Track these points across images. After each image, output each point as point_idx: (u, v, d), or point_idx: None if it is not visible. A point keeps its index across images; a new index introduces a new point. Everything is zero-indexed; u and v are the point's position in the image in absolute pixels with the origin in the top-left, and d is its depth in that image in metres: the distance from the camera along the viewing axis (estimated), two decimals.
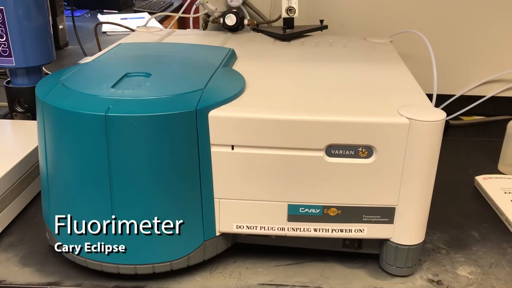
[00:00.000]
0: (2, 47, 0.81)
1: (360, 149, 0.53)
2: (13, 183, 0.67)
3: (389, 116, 0.52)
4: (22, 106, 0.88)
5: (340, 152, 0.53)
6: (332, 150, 0.53)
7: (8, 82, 0.88)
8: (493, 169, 0.84)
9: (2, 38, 0.81)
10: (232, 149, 0.53)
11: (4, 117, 0.96)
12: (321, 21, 0.94)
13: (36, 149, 0.73)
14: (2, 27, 0.80)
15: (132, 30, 1.09)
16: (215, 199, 0.55)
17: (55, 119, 0.52)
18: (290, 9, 0.87)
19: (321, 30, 0.93)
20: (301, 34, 0.89)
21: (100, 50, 1.03)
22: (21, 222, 0.67)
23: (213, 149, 0.53)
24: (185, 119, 0.51)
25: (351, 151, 0.53)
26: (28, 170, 0.71)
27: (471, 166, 0.85)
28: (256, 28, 0.94)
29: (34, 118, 0.88)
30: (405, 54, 1.04)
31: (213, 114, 0.52)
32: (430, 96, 0.90)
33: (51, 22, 0.88)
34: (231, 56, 0.71)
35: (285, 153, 0.53)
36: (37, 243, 0.63)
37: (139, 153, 0.51)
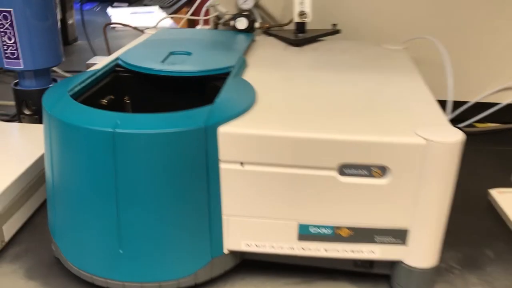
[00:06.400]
0: (11, 50, 0.80)
1: (374, 169, 0.51)
2: (21, 189, 0.66)
3: (404, 135, 0.50)
4: (30, 108, 0.87)
5: (353, 171, 0.51)
6: (345, 169, 0.51)
7: (16, 84, 0.87)
8: (508, 182, 0.82)
9: (11, 40, 0.80)
10: (242, 166, 0.52)
11: (12, 117, 0.96)
12: (334, 25, 0.92)
13: (41, 158, 0.72)
14: (10, 29, 0.79)
15: (141, 31, 1.08)
16: (223, 216, 0.54)
17: (61, 133, 0.51)
18: (302, 14, 0.85)
19: (334, 34, 0.91)
20: (314, 39, 0.87)
21: (109, 51, 1.02)
22: (27, 230, 0.67)
23: (222, 165, 0.52)
24: (194, 136, 0.50)
25: (364, 171, 0.51)
26: (36, 176, 0.70)
27: (485, 177, 0.83)
28: (267, 31, 0.93)
29: (41, 121, 0.87)
30: (419, 59, 1.02)
31: (222, 130, 0.51)
32: (444, 103, 0.88)
33: (60, 17, 0.87)
34: (241, 64, 0.70)
35: (296, 171, 0.52)
36: (43, 253, 0.62)
37: (146, 170, 0.50)
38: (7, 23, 0.78)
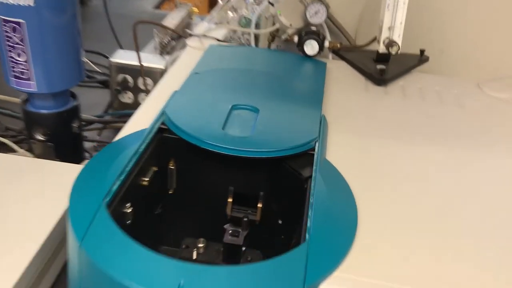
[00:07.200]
0: (21, 68, 0.63)
1: None
2: (33, 275, 0.52)
3: None
4: (43, 133, 0.70)
5: None
6: None
7: (25, 102, 0.70)
8: None
9: (21, 57, 0.62)
10: None
11: (19, 133, 0.80)
12: (422, 51, 0.74)
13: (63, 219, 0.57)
14: (21, 45, 0.61)
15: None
16: None
17: (95, 280, 0.36)
18: (392, 44, 0.67)
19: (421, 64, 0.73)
20: (399, 74, 0.70)
21: (137, 51, 0.84)
22: None
23: None
24: None
25: None
26: (50, 250, 0.55)
27: None
28: (338, 53, 0.75)
29: (56, 150, 0.71)
30: None
31: None
32: None
33: None
34: (324, 130, 0.53)
35: None
36: None
37: None
38: (17, 37, 0.61)
